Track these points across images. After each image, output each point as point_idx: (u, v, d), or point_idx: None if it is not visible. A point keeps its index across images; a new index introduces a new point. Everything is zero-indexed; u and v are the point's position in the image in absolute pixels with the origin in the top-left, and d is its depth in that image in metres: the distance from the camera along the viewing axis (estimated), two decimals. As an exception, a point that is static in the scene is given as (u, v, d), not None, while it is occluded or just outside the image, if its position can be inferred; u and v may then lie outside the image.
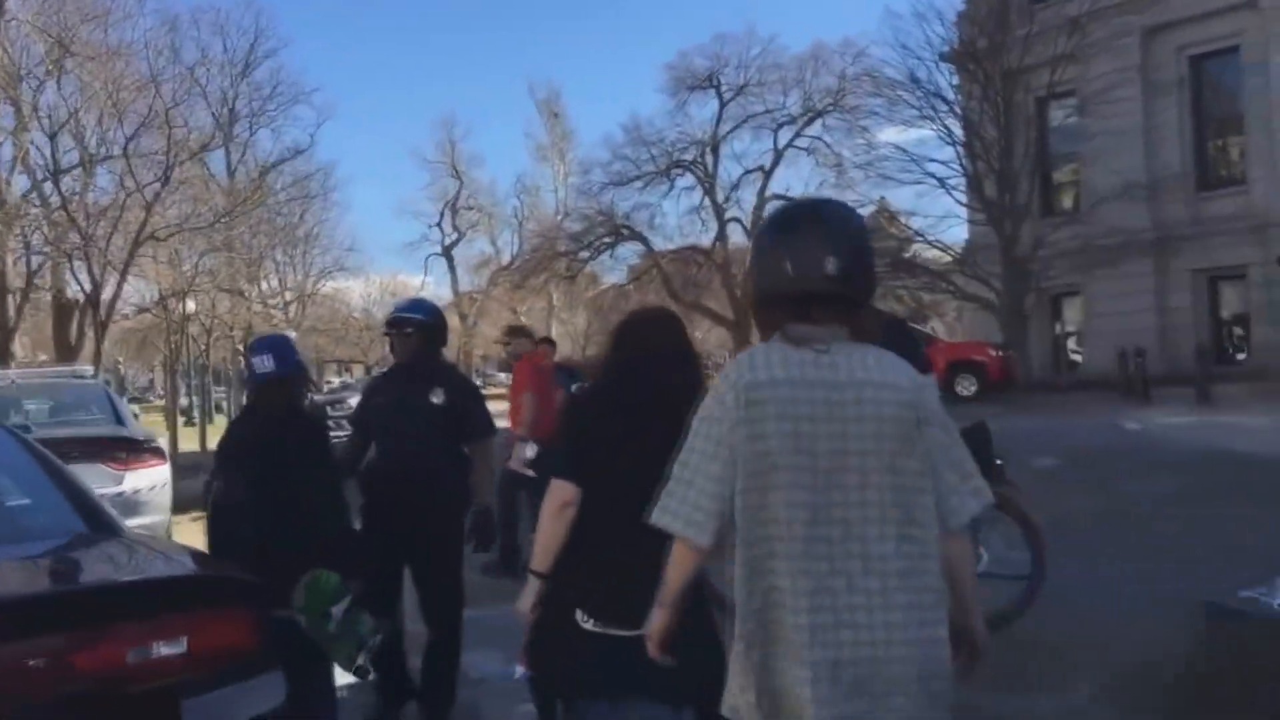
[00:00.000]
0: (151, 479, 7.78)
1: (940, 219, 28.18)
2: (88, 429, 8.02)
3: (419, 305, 5.07)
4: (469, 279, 59.59)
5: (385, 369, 4.94)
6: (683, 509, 2.20)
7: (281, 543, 3.22)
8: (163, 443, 8.63)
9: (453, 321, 61.36)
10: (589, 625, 2.77)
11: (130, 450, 7.83)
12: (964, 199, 27.63)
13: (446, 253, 59.59)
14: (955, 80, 27.54)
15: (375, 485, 4.47)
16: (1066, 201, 28.73)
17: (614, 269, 44.79)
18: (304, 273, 47.57)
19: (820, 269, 2.17)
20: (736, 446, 2.14)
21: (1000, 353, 22.77)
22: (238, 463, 3.35)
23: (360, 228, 73.64)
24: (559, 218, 50.24)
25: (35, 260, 24.26)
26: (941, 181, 27.28)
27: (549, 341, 10.06)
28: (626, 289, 44.09)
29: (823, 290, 2.18)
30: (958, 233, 30.06)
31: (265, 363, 3.63)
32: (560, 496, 2.84)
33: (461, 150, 58.38)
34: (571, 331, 62.09)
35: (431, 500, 4.32)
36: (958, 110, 27.02)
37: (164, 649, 2.73)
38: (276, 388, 3.59)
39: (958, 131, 26.96)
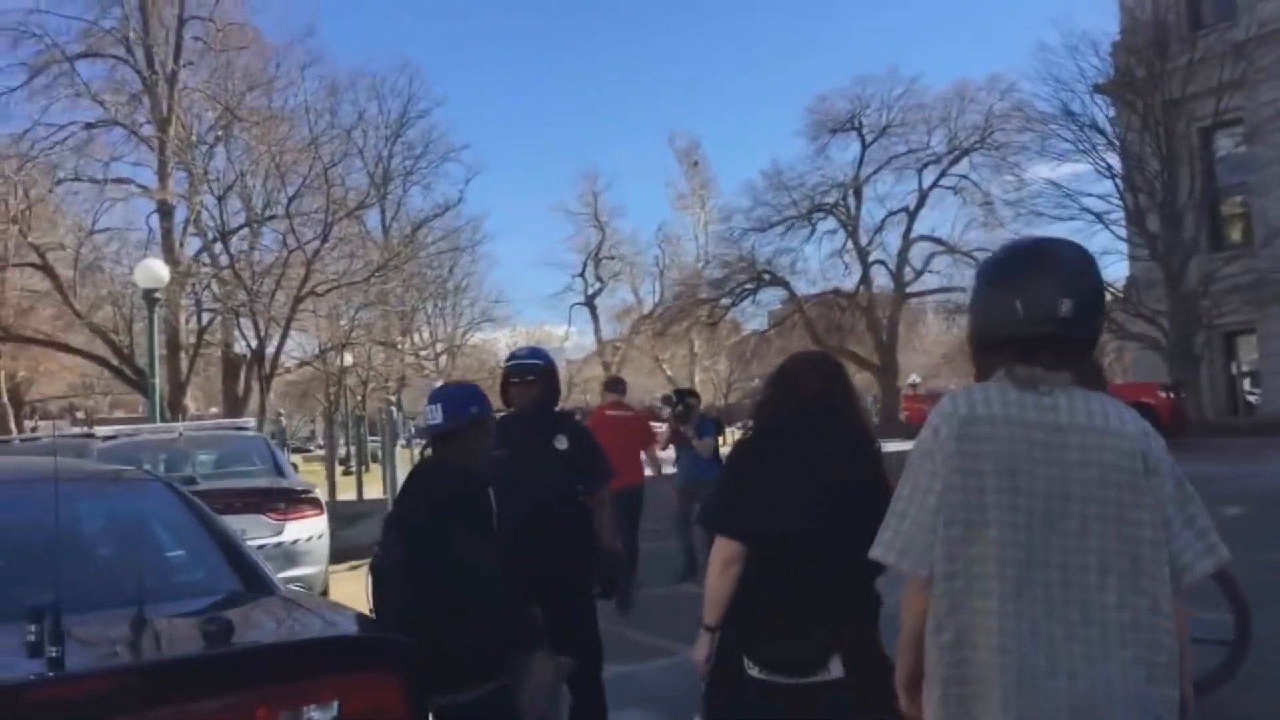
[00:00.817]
0: (310, 529, 7.92)
1: (1099, 255, 26.76)
2: (249, 480, 8.25)
3: (538, 352, 4.97)
4: (611, 328, 60.39)
5: (501, 417, 4.80)
6: (897, 541, 2.18)
7: (440, 609, 3.08)
8: (320, 493, 8.80)
9: (596, 370, 62.29)
10: (755, 673, 2.82)
11: (289, 501, 8.00)
12: (1123, 234, 26.47)
13: (589, 302, 60.56)
14: (1111, 113, 26.53)
15: (507, 538, 4.39)
16: (1236, 234, 27.23)
17: (756, 315, 44.61)
18: (453, 324, 49.02)
19: (1055, 311, 2.12)
20: (948, 480, 2.11)
21: (1170, 394, 21.54)
22: (399, 524, 3.19)
23: (506, 280, 75.78)
24: (700, 265, 50.45)
25: (205, 317, 25.59)
26: (1099, 217, 26.18)
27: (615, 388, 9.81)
28: (769, 335, 43.82)
29: (1055, 333, 2.13)
30: (1117, 269, 28.81)
31: (433, 414, 3.40)
32: (725, 554, 2.87)
33: (604, 201, 59.51)
34: (714, 379, 62.07)
35: (567, 551, 4.19)
36: (1115, 143, 25.96)
37: (315, 713, 2.64)
38: (442, 443, 3.36)
39: (1115, 165, 25.92)
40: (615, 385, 9.76)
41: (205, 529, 3.49)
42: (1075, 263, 2.23)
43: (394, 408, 14.04)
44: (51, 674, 2.37)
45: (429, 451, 3.42)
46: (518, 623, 3.22)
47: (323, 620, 3.04)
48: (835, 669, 2.78)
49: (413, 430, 4.44)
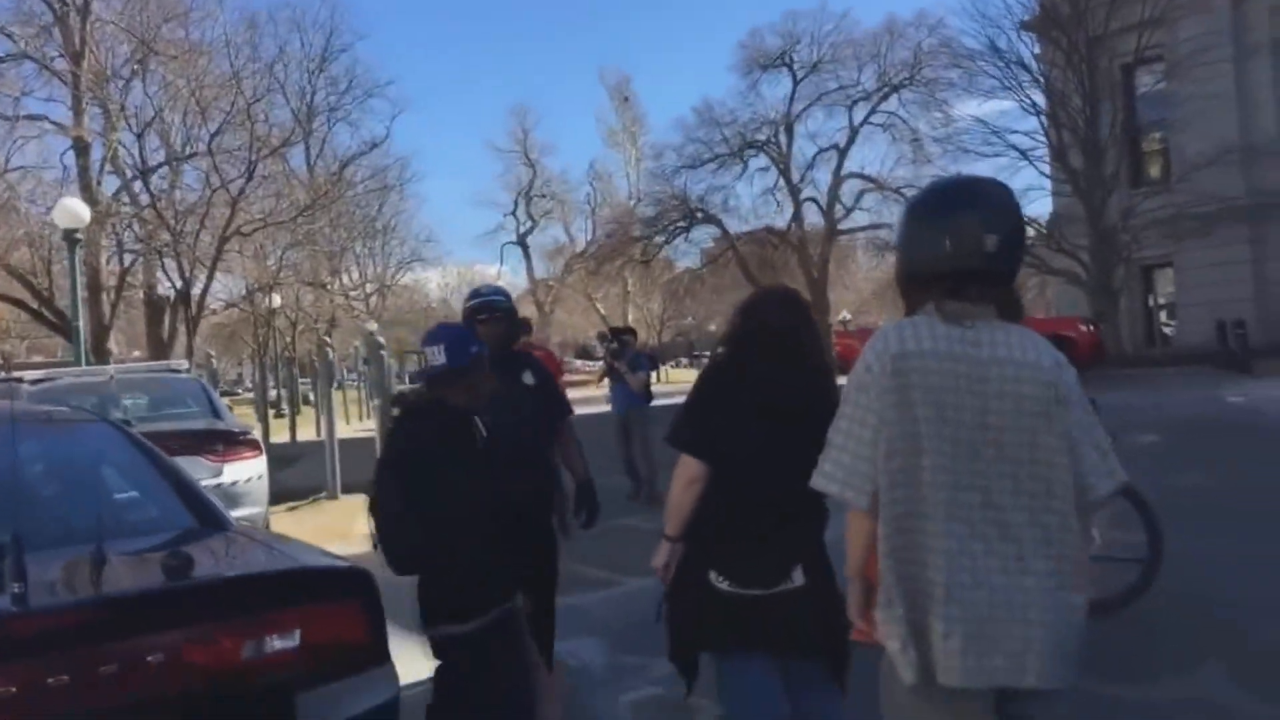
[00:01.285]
0: (249, 471, 7.90)
1: (1023, 192, 27.28)
2: (186, 423, 8.17)
3: (501, 290, 4.97)
4: (544, 267, 60.15)
5: None
6: (838, 472, 2.34)
7: (446, 546, 3.15)
8: (257, 435, 8.76)
9: (529, 309, 62.05)
10: (723, 586, 2.98)
11: (227, 443, 7.95)
12: (1048, 171, 26.93)
13: (521, 241, 60.15)
14: (1037, 50, 26.83)
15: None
16: (1156, 170, 27.88)
17: (688, 253, 44.64)
18: (383, 265, 48.36)
19: (980, 247, 2.26)
20: (883, 413, 2.26)
21: (1091, 327, 22.16)
22: (400, 464, 3.16)
23: (436, 219, 74.76)
24: (632, 203, 50.31)
25: (127, 258, 24.93)
26: (1024, 154, 26.61)
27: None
28: (701, 272, 43.96)
29: (981, 268, 2.27)
30: (1041, 206, 29.38)
31: (437, 355, 3.35)
32: (689, 472, 3.02)
33: (534, 139, 58.97)
34: (647, 317, 62.21)
35: (545, 483, 4.28)
36: (1040, 79, 26.31)
37: (277, 643, 2.71)
38: (450, 382, 3.33)
39: (1041, 102, 26.29)
40: (524, 327, 10.03)
41: (155, 468, 3.51)
42: (999, 200, 2.36)
43: (329, 350, 13.89)
44: (16, 609, 2.41)
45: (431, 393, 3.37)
46: (515, 559, 3.33)
47: (279, 553, 3.10)
48: (797, 578, 2.98)
49: (410, 371, 4.39)
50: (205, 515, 3.29)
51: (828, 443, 2.38)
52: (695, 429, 3.06)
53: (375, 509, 3.13)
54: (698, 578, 3.02)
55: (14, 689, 2.35)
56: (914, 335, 2.28)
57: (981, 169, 28.95)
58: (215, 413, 8.66)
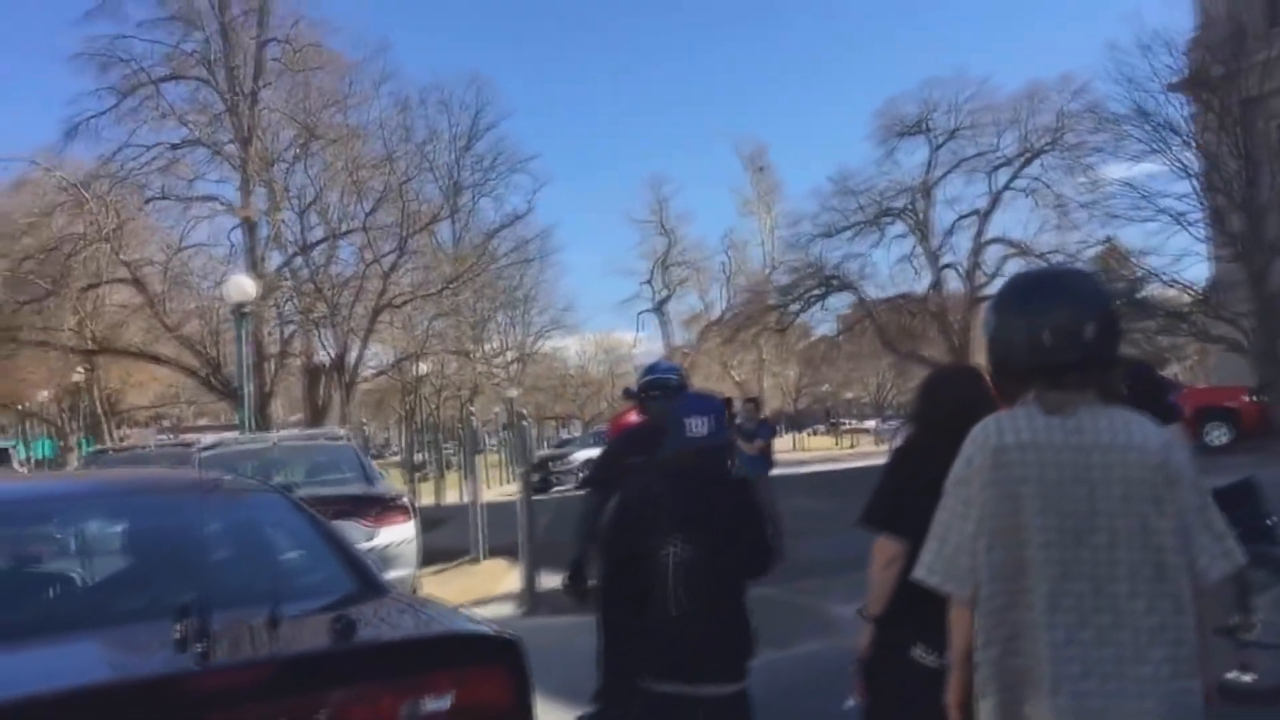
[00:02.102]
0: (400, 535, 8.23)
1: (1178, 258, 26.27)
2: (342, 488, 8.58)
3: (675, 367, 5.19)
4: (680, 334, 60.66)
5: (636, 429, 4.95)
6: (938, 564, 2.38)
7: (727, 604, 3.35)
8: (408, 500, 9.13)
9: (665, 377, 62.36)
10: (929, 661, 2.99)
11: (380, 508, 8.31)
12: (1203, 235, 25.91)
13: (658, 309, 60.95)
14: (1187, 111, 26.00)
15: None
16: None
17: (824, 321, 44.36)
18: (524, 333, 49.55)
19: (1080, 337, 2.28)
20: (985, 506, 2.29)
21: (1255, 397, 21.05)
22: (700, 523, 3.34)
23: (575, 288, 76.39)
24: (767, 271, 50.45)
25: (287, 329, 26.30)
26: (1177, 217, 25.65)
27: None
28: (838, 340, 43.62)
29: (1080, 358, 2.29)
30: (1197, 271, 28.22)
31: (700, 426, 3.42)
32: (888, 552, 3.10)
33: (670, 208, 59.96)
34: (783, 384, 61.97)
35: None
36: (1191, 142, 25.45)
37: (432, 704, 2.86)
38: (711, 457, 3.44)
39: (1192, 164, 25.39)
40: (630, 394, 10.74)
41: (319, 534, 3.75)
42: (1090, 288, 2.42)
43: (473, 416, 14.37)
44: (200, 667, 2.62)
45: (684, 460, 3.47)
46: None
47: (433, 618, 3.27)
48: None
49: (682, 438, 4.46)
50: (365, 580, 3.50)
51: (929, 535, 2.41)
52: (891, 508, 3.12)
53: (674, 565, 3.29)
54: (898, 656, 3.06)
55: (200, 741, 2.56)
56: (1013, 428, 2.31)
57: (1131, 233, 28.12)
58: (368, 478, 9.06)
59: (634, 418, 9.91)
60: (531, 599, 8.87)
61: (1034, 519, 2.24)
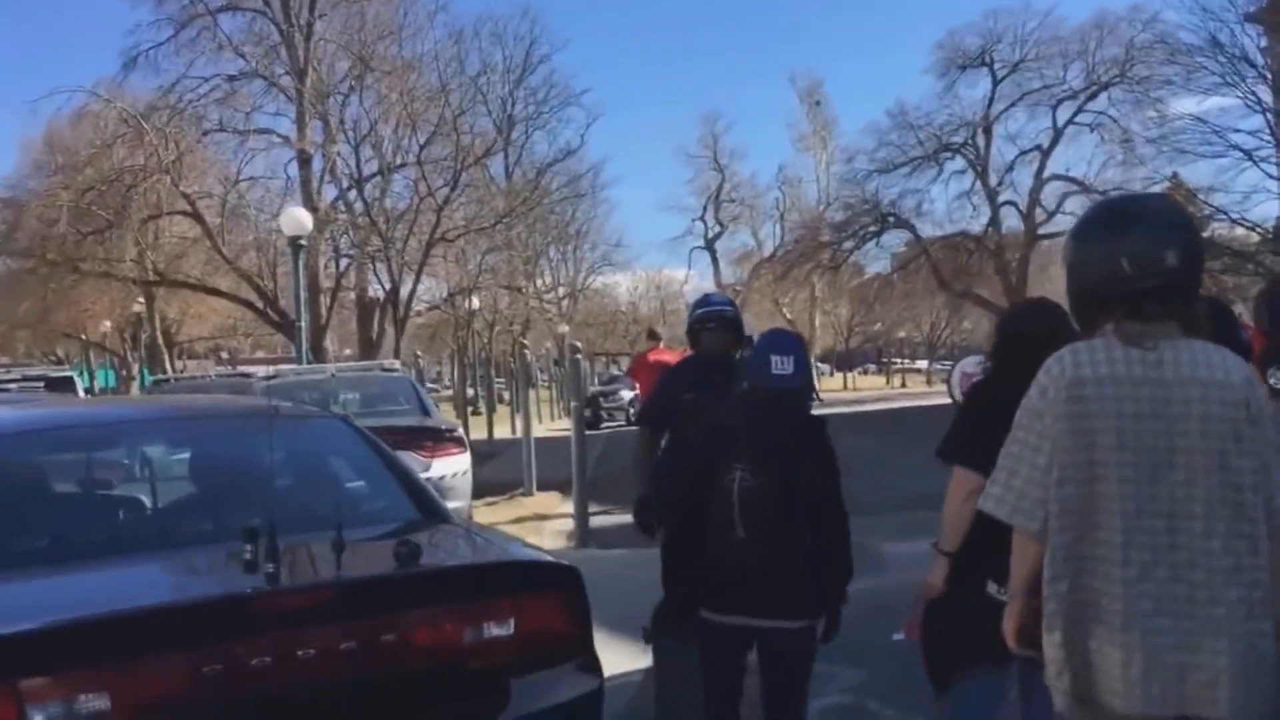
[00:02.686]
0: (454, 466, 8.34)
1: (1247, 195, 25.44)
2: (398, 419, 8.69)
3: (729, 300, 5.12)
4: (731, 272, 60.22)
5: (689, 361, 4.92)
6: (1008, 495, 2.33)
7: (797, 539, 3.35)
8: (462, 432, 9.23)
9: (716, 314, 62.15)
10: (1004, 597, 2.92)
11: (436, 439, 8.42)
12: (1274, 172, 25.06)
13: (709, 246, 60.43)
14: (1263, 43, 24.99)
15: None
16: (1398, 174, 25.45)
17: (879, 259, 43.83)
18: (575, 269, 49.55)
19: (1161, 264, 2.21)
20: (1058, 439, 2.23)
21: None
22: (768, 455, 3.32)
23: (626, 224, 76.49)
24: (821, 208, 49.72)
25: (342, 263, 26.55)
26: (1248, 154, 24.81)
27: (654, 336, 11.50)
28: (892, 278, 43.10)
29: (1161, 285, 2.22)
30: (1267, 209, 27.41)
31: (785, 365, 3.40)
32: (966, 485, 3.02)
33: (724, 144, 59.13)
34: (835, 322, 61.50)
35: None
36: (1266, 75, 24.49)
37: (495, 630, 2.92)
38: (794, 398, 3.43)
39: (1267, 98, 24.47)
40: (653, 335, 11.29)
41: (383, 462, 3.80)
42: (1173, 214, 2.34)
43: (526, 351, 14.42)
44: (271, 587, 2.68)
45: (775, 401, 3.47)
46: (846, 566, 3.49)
47: (496, 545, 3.32)
48: None
49: (767, 375, 4.37)
50: (427, 508, 3.55)
51: (997, 466, 2.38)
52: (968, 442, 3.08)
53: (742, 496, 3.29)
54: (970, 591, 3.05)
55: (268, 658, 2.63)
56: (1090, 360, 2.24)
57: (1200, 170, 27.28)
58: (425, 410, 9.17)
59: (665, 356, 10.17)
60: (583, 532, 8.97)
61: (1109, 454, 2.19)
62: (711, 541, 3.33)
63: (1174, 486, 2.18)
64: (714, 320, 4.65)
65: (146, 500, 3.89)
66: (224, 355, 51.70)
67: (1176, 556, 2.17)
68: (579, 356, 9.65)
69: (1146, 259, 2.21)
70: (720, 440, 3.40)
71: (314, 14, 25.04)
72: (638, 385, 11.07)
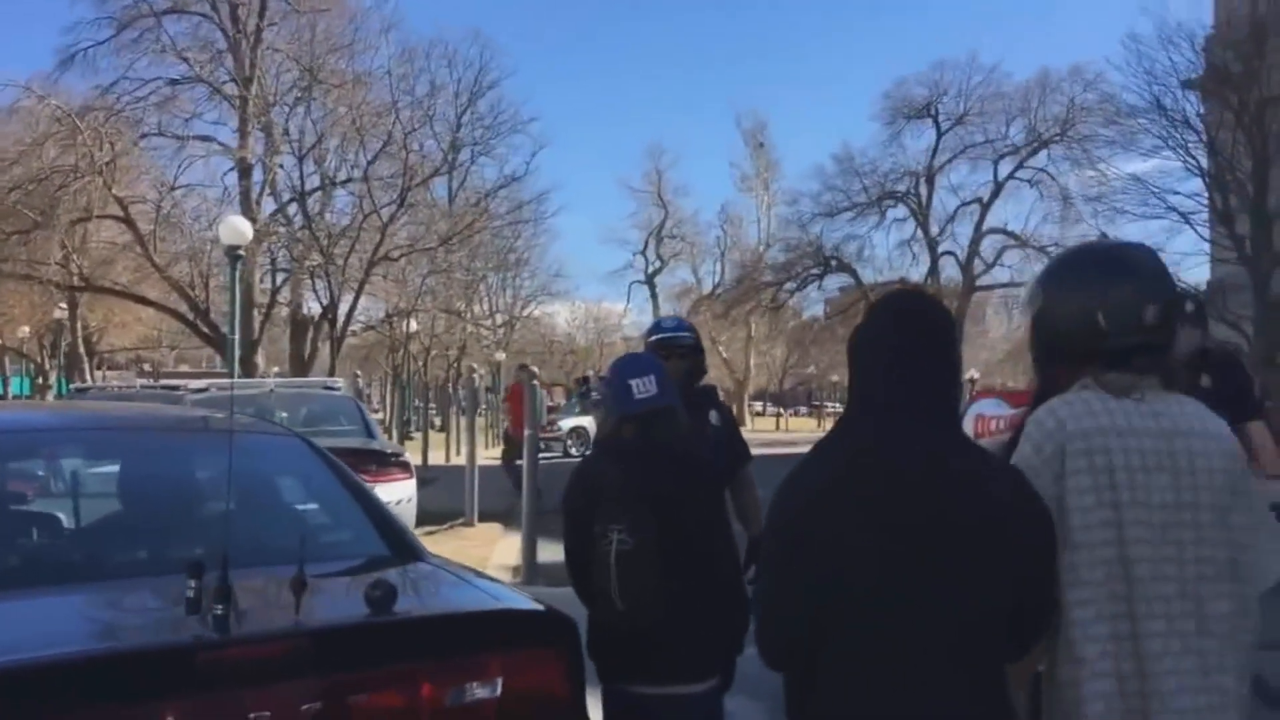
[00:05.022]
0: (400, 493, 7.86)
1: (1182, 256, 26.03)
2: (341, 440, 8.18)
3: (687, 325, 4.71)
4: (670, 307, 60.10)
5: None
6: None
7: (693, 594, 2.89)
8: (408, 457, 8.75)
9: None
10: None
11: (380, 463, 7.95)
12: (1208, 235, 25.61)
13: (649, 280, 60.41)
14: (1202, 109, 25.64)
15: None
16: (1328, 240, 26.22)
17: (818, 301, 44.14)
18: (514, 296, 49.05)
19: (1141, 320, 2.07)
20: (1062, 499, 2.02)
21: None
22: (650, 506, 2.92)
23: (568, 254, 75.81)
24: (762, 248, 50.03)
25: (278, 277, 25.78)
26: (1185, 216, 25.38)
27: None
28: (831, 323, 43.37)
29: (1140, 343, 2.08)
30: (1200, 272, 27.97)
31: (646, 386, 3.04)
32: None
33: (668, 180, 59.36)
34: (769, 363, 61.67)
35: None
36: (1205, 139, 25.10)
37: (480, 691, 2.49)
38: (664, 419, 3.02)
39: (1205, 163, 25.06)
40: (524, 369, 13.41)
41: (349, 490, 3.36)
42: (1153, 266, 2.17)
43: (475, 375, 13.97)
44: (218, 636, 2.24)
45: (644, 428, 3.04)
46: (743, 616, 3.01)
47: (480, 590, 2.89)
48: None
49: (592, 398, 4.18)
50: (398, 542, 3.12)
51: None
52: None
53: (619, 551, 2.84)
54: None
55: None
56: (1087, 411, 2.06)
57: (1134, 231, 27.85)
58: (369, 432, 8.69)
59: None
60: (530, 568, 8.52)
61: (1120, 513, 2.00)
62: (601, 608, 2.92)
63: (1183, 546, 2.01)
64: (666, 348, 4.19)
65: (67, 520, 3.39)
66: (146, 367, 50.17)
67: (1186, 624, 1.99)
68: (535, 382, 9.24)
69: (1126, 314, 2.07)
70: (591, 494, 2.96)
71: (263, 21, 24.43)
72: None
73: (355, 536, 3.14)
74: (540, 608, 2.73)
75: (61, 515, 3.38)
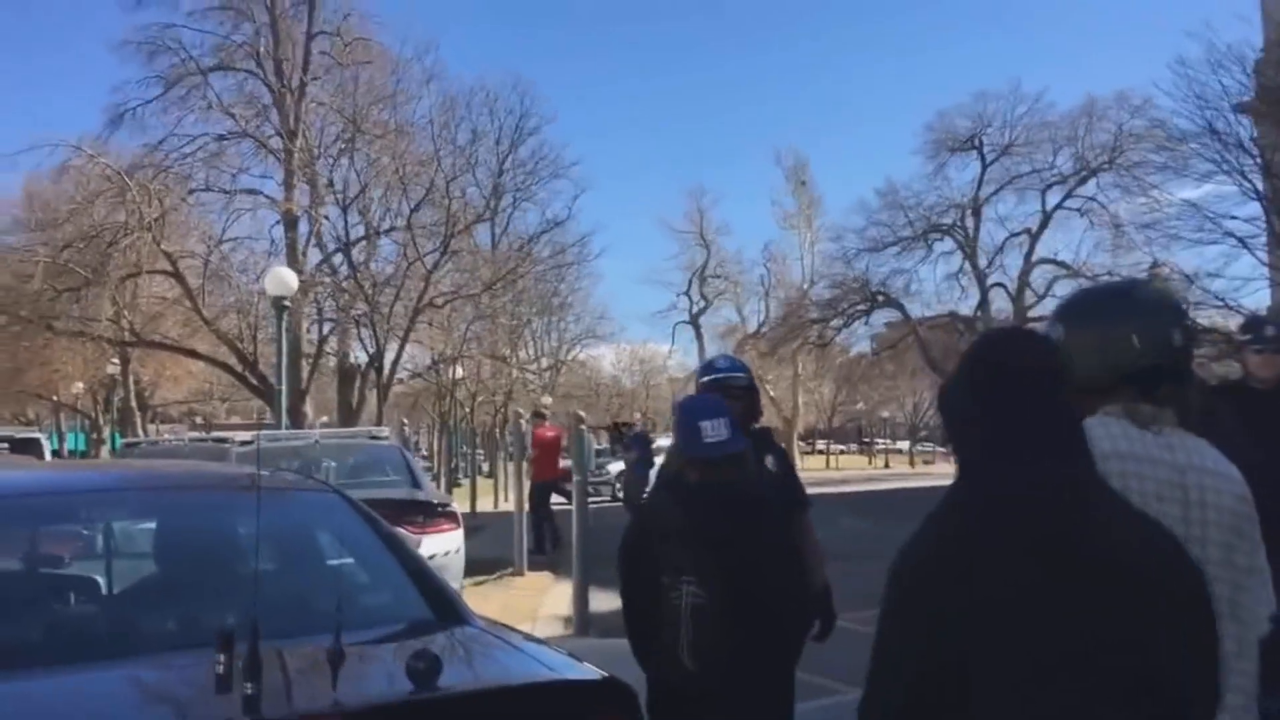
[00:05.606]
0: (447, 544, 7.66)
1: (1243, 283, 25.32)
2: (387, 491, 8.01)
3: (740, 364, 4.49)
4: (716, 347, 59.89)
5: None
6: None
7: (758, 647, 2.68)
8: (456, 507, 8.56)
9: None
10: None
11: (427, 514, 7.76)
12: (1264, 259, 24.95)
13: (694, 321, 60.22)
14: (1255, 132, 25.07)
15: None
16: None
17: (863, 338, 43.66)
18: (559, 340, 49.09)
19: (1170, 342, 2.14)
20: None
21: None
22: (716, 553, 2.70)
23: (611, 296, 76.26)
24: (806, 285, 49.71)
25: (325, 327, 25.92)
26: (1243, 240, 24.73)
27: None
28: (880, 358, 42.86)
29: (1169, 364, 2.14)
30: (1260, 297, 27.20)
31: (718, 430, 2.90)
32: None
33: (710, 219, 59.32)
34: (818, 400, 61.09)
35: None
36: (1258, 162, 24.52)
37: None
38: (733, 464, 2.87)
39: (1261, 186, 24.45)
40: (540, 414, 15.52)
41: (388, 548, 3.16)
42: (1169, 296, 2.36)
43: (522, 421, 13.86)
44: (248, 718, 2.04)
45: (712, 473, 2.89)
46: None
47: (531, 658, 2.67)
48: None
49: (699, 444, 3.95)
50: (441, 605, 2.91)
51: None
52: None
53: (694, 606, 2.62)
54: None
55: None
56: (1108, 434, 2.07)
57: (1190, 257, 27.23)
58: (415, 482, 8.51)
59: (548, 433, 11.33)
60: (582, 618, 8.26)
61: None
62: (668, 664, 2.69)
63: None
64: (721, 389, 3.92)
65: (91, 589, 3.20)
66: (198, 420, 50.73)
67: None
68: (584, 427, 9.05)
69: (1157, 336, 2.14)
70: (659, 540, 2.80)
71: (307, 75, 24.78)
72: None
73: (395, 599, 2.94)
74: (597, 677, 2.50)
75: (87, 583, 3.22)
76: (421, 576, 3.04)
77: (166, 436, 20.84)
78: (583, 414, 10.01)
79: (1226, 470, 2.10)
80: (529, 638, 2.97)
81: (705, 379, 4.12)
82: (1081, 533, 1.67)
